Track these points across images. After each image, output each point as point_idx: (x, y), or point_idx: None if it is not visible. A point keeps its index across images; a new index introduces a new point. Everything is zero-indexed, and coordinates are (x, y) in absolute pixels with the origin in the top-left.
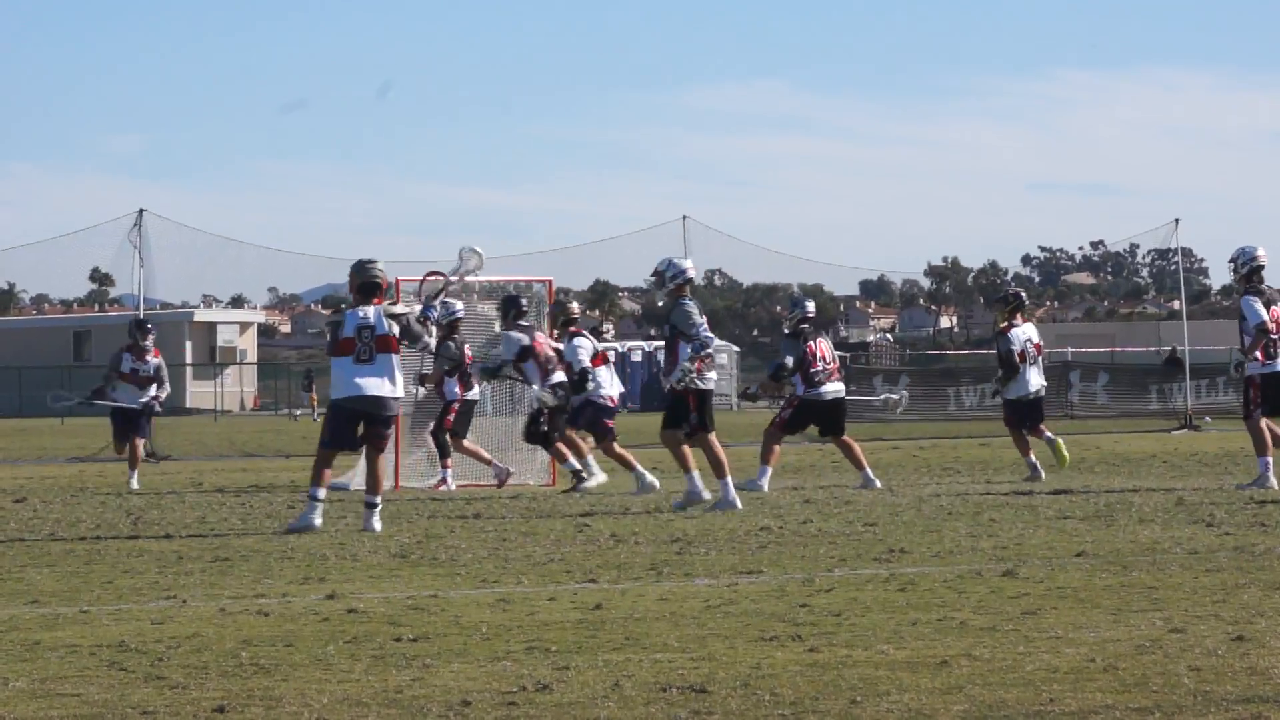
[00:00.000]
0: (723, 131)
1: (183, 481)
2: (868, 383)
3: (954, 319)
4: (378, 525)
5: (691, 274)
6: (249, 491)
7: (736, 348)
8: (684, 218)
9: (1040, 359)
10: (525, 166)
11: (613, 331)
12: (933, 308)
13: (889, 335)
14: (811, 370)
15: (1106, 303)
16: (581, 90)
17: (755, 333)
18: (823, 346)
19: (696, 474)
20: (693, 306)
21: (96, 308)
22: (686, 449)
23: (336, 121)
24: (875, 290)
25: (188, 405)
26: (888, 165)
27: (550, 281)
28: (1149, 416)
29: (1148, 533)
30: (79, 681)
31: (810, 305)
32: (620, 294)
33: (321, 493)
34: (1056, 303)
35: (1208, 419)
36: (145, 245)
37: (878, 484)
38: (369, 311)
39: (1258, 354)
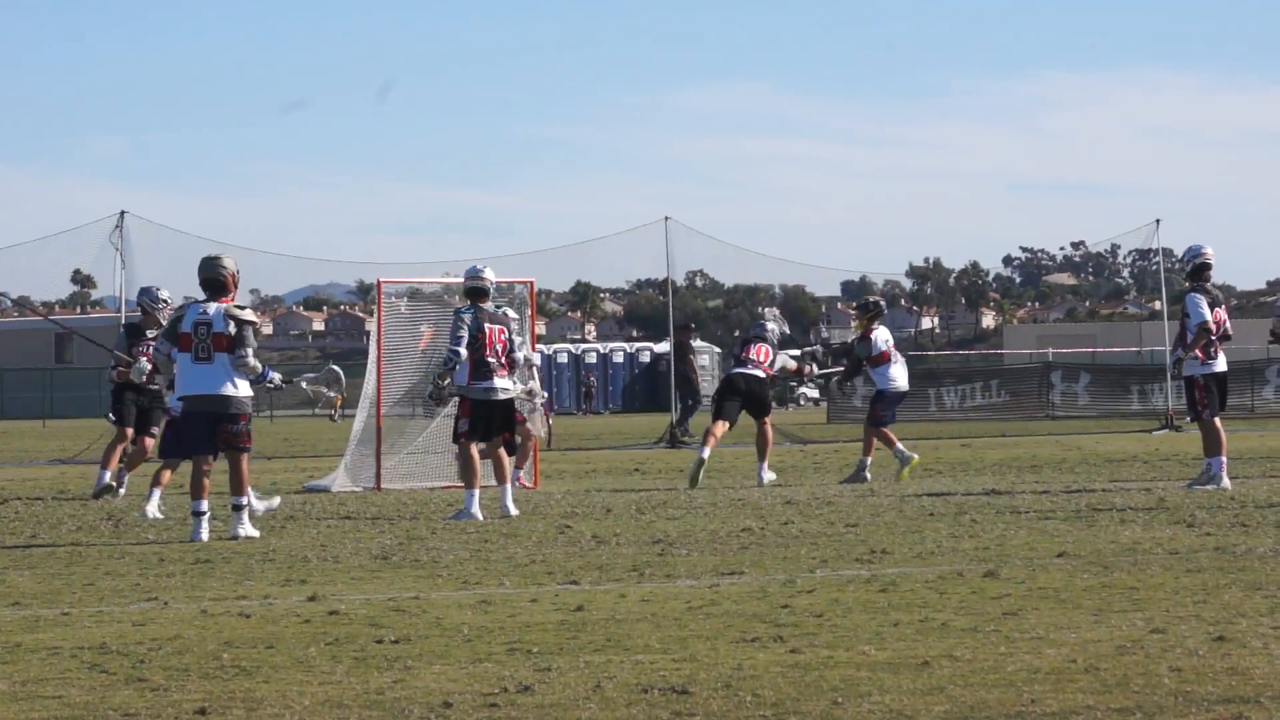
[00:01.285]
0: (705, 133)
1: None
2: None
3: (935, 319)
4: (244, 531)
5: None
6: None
7: (718, 349)
8: (666, 219)
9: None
10: (508, 168)
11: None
12: (914, 308)
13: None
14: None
15: (1088, 303)
16: (564, 92)
17: (736, 334)
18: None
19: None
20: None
21: (78, 310)
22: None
23: (320, 124)
24: (857, 291)
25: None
26: (869, 166)
27: (532, 283)
28: (1130, 417)
29: (1129, 533)
30: (60, 684)
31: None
32: (602, 295)
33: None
34: (1038, 303)
35: (1189, 419)
36: (127, 247)
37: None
38: (210, 308)
39: (1197, 353)
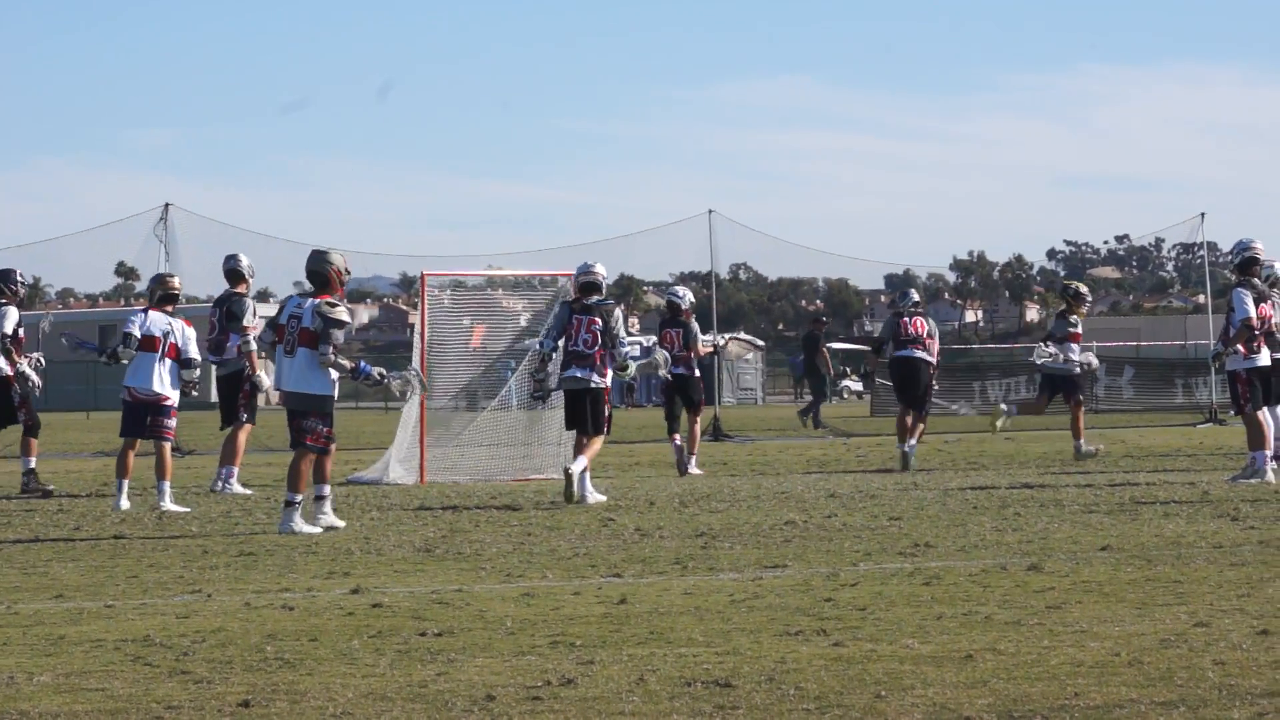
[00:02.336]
0: (749, 126)
1: (207, 476)
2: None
3: (979, 313)
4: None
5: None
6: (273, 486)
7: (761, 342)
8: (710, 212)
9: None
10: (552, 161)
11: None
12: (958, 301)
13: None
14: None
15: (1132, 297)
16: (607, 85)
17: (780, 326)
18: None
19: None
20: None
21: (122, 302)
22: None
23: (363, 115)
24: (900, 284)
25: (213, 399)
26: (912, 160)
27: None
28: (1174, 411)
29: (1172, 527)
30: (104, 676)
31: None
32: (645, 288)
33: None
34: None
35: (1233, 413)
36: (171, 239)
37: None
38: (306, 302)
39: (1239, 348)
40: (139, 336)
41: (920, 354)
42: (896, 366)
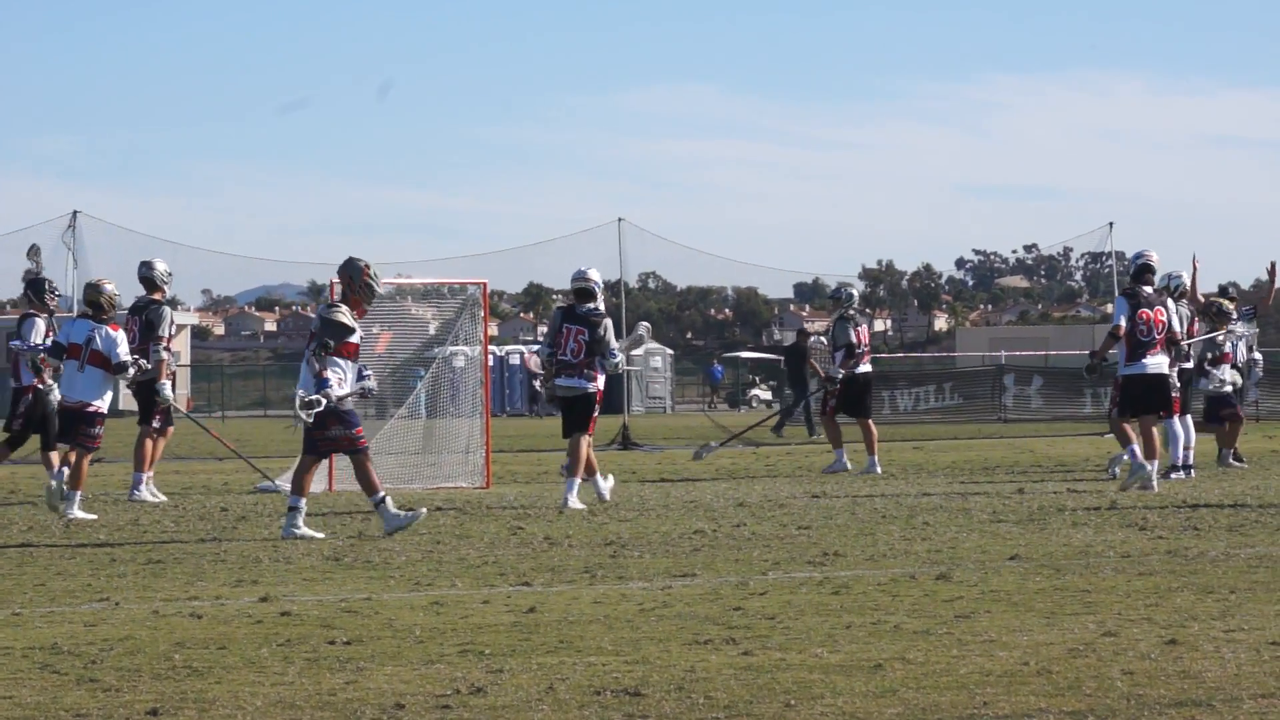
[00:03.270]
0: (656, 135)
1: (115, 484)
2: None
3: (888, 322)
4: (403, 520)
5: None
6: (180, 494)
7: (670, 351)
8: (619, 220)
9: None
10: (459, 169)
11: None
12: (867, 311)
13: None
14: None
15: (1040, 306)
16: (513, 93)
17: (689, 335)
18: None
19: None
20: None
21: None
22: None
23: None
24: (809, 293)
25: (120, 407)
26: (819, 168)
27: (485, 284)
28: (1083, 420)
29: (1081, 536)
30: (11, 684)
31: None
32: (555, 296)
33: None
34: (990, 306)
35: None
36: (79, 247)
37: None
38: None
39: (1119, 353)
40: (64, 345)
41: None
42: (860, 381)
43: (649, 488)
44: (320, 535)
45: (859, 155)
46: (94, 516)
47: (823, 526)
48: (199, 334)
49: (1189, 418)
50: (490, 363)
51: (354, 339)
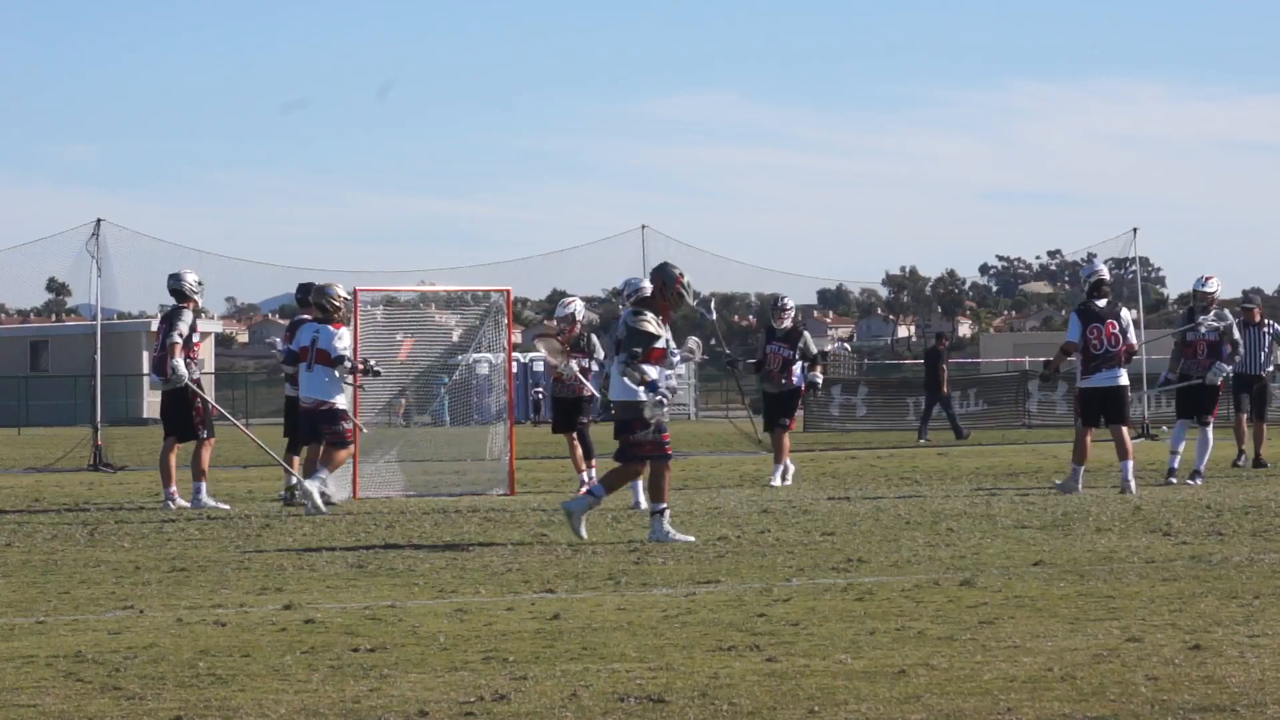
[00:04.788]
0: (678, 142)
1: (140, 492)
2: (825, 392)
3: (912, 328)
4: (675, 536)
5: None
6: (244, 499)
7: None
8: (643, 227)
9: None
10: (482, 177)
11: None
12: (890, 317)
13: (847, 345)
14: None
15: (1064, 312)
16: (536, 101)
17: (712, 343)
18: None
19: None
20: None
21: (53, 317)
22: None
23: (294, 131)
24: (833, 300)
25: (144, 415)
26: (843, 175)
27: (509, 291)
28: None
29: (1105, 542)
30: (35, 692)
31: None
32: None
33: None
34: (1014, 312)
35: (1165, 429)
36: (103, 255)
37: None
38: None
39: (1078, 367)
40: (294, 350)
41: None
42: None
43: (672, 494)
44: (692, 539)
45: (882, 161)
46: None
47: (846, 532)
48: (223, 341)
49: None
50: (514, 369)
51: (660, 344)
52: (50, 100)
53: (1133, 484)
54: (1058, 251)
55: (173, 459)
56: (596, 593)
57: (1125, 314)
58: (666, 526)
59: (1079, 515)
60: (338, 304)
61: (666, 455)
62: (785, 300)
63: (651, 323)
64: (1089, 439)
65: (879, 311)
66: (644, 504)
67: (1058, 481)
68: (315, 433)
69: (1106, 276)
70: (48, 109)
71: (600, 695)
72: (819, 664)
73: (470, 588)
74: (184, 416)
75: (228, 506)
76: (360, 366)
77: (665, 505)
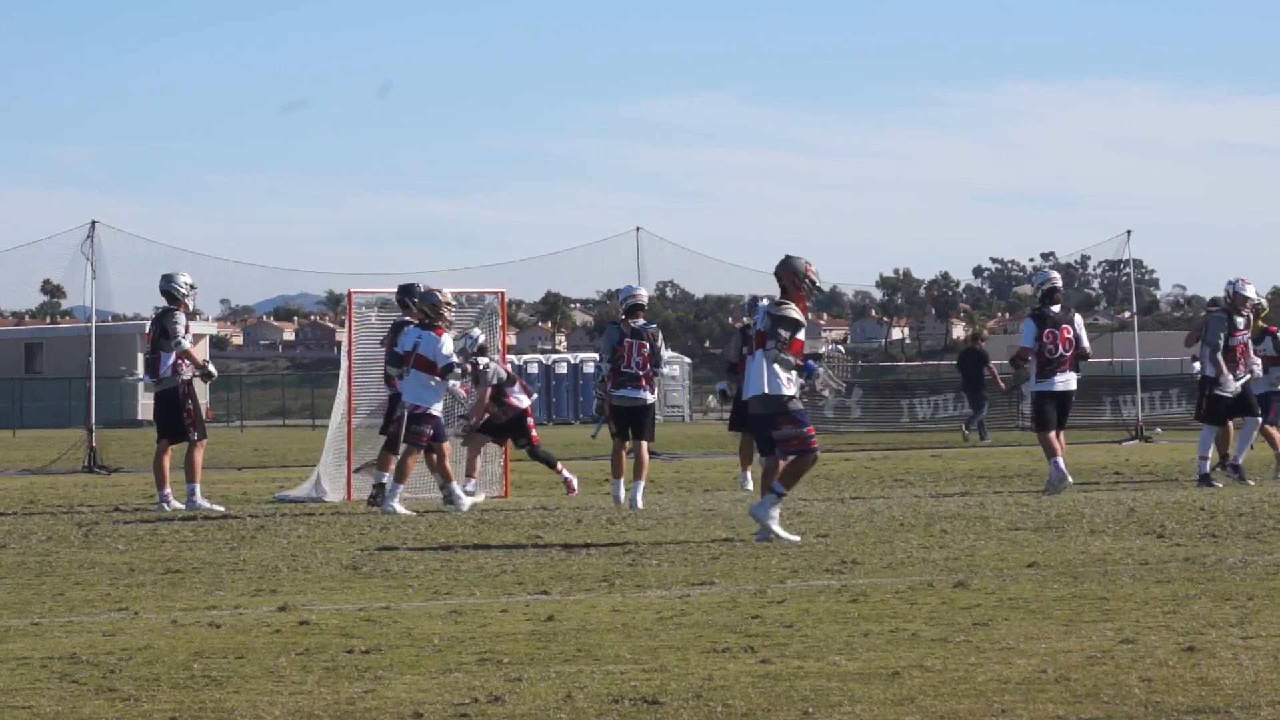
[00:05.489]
0: (673, 144)
1: (135, 494)
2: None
3: (906, 330)
4: (778, 531)
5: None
6: (239, 501)
7: (689, 359)
8: (637, 229)
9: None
10: (476, 179)
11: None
12: (884, 319)
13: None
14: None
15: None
16: (530, 103)
17: (707, 344)
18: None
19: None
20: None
21: (48, 320)
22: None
23: (289, 134)
24: (827, 302)
25: (139, 417)
26: (837, 177)
27: (503, 293)
28: (1101, 428)
29: (1099, 544)
30: (30, 694)
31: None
32: (572, 305)
33: None
34: (1008, 314)
35: (1159, 430)
36: (98, 257)
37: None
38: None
39: (1032, 371)
40: (399, 353)
41: None
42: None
43: (667, 496)
44: (797, 539)
45: (876, 163)
46: (480, 497)
47: (841, 535)
48: (217, 344)
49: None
50: (509, 369)
51: (801, 335)
52: (45, 102)
53: (1069, 479)
54: (1052, 254)
55: (166, 461)
56: (591, 594)
57: (1078, 319)
58: (773, 512)
59: (1073, 517)
60: (442, 310)
61: (811, 450)
62: (764, 300)
63: (795, 311)
64: (1054, 436)
65: (873, 313)
66: (640, 504)
67: (1045, 485)
68: (406, 434)
69: (1059, 283)
70: (43, 111)
71: (595, 697)
72: (813, 666)
73: (465, 589)
74: (175, 419)
75: (222, 508)
76: (467, 368)
77: (784, 492)
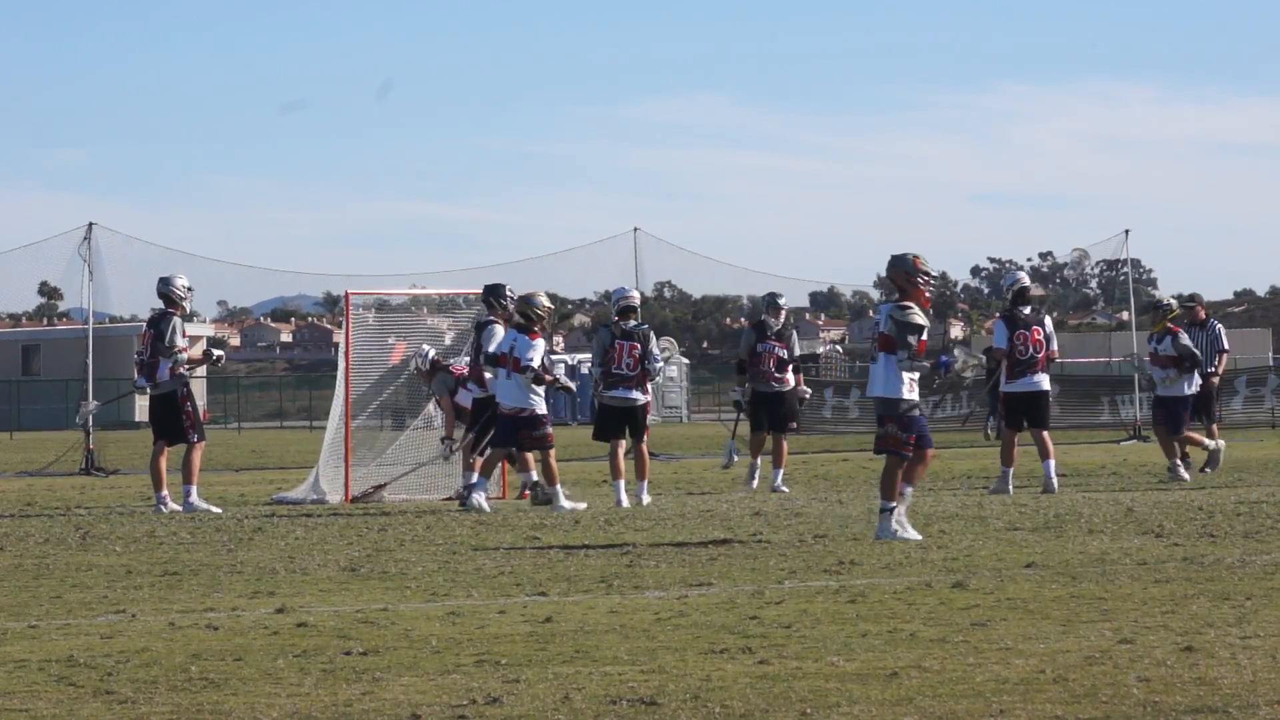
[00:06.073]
0: (668, 145)
1: (132, 496)
2: (817, 394)
3: None
4: (905, 534)
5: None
6: (236, 503)
7: (686, 360)
8: (635, 230)
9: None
10: (473, 181)
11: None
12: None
13: (839, 347)
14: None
15: (1055, 314)
16: (527, 104)
17: (705, 345)
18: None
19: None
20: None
21: (45, 322)
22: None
23: (286, 136)
24: (825, 302)
25: (136, 419)
26: (834, 177)
27: None
28: (1098, 428)
29: (1097, 544)
30: (27, 697)
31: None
32: (569, 306)
33: None
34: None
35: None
36: (95, 259)
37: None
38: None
39: (1003, 373)
40: (494, 354)
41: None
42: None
43: (665, 497)
44: (917, 536)
45: (873, 164)
46: (581, 505)
47: (839, 535)
48: (214, 345)
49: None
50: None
51: (925, 337)
52: (42, 104)
53: (1055, 482)
54: (1049, 253)
55: (163, 463)
56: (589, 595)
57: (1048, 321)
58: (894, 525)
59: (1071, 517)
60: (541, 314)
61: (901, 454)
62: (781, 298)
63: (919, 314)
64: (1015, 441)
65: (871, 314)
66: (625, 503)
67: (994, 485)
68: (514, 438)
69: (1029, 285)
70: (40, 113)
71: (592, 698)
72: (811, 666)
73: (462, 591)
74: (173, 421)
75: (219, 510)
76: (549, 379)
77: (895, 504)
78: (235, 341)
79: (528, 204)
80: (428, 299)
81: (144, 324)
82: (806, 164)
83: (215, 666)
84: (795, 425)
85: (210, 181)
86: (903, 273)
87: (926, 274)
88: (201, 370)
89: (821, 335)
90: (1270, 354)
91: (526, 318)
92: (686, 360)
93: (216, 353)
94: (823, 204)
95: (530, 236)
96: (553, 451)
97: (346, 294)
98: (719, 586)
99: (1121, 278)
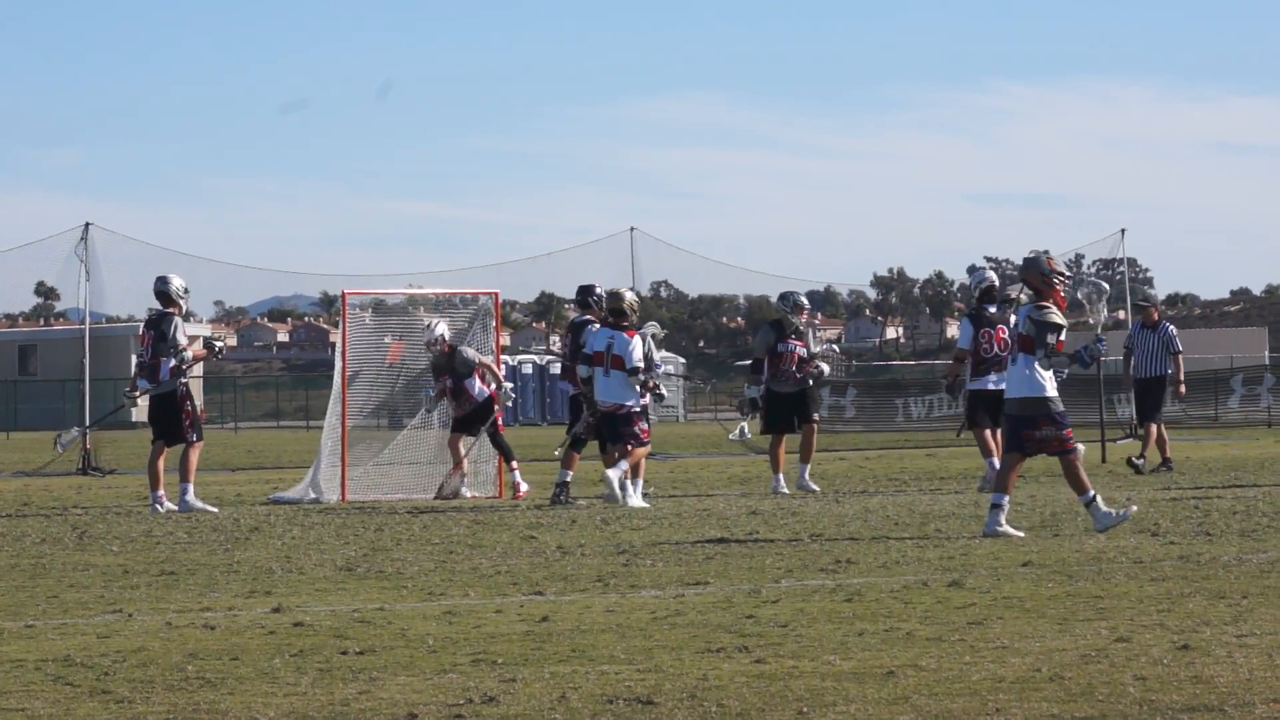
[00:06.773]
0: (665, 145)
1: (129, 496)
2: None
3: (900, 330)
4: (1004, 530)
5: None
6: (233, 503)
7: (683, 359)
8: (631, 229)
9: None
10: (470, 180)
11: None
12: (879, 319)
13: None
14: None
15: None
16: (523, 104)
17: (701, 344)
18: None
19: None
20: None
21: (42, 322)
22: None
23: (283, 136)
24: (821, 301)
25: (134, 419)
26: (831, 177)
27: (497, 294)
28: (1095, 426)
29: (1093, 542)
30: (24, 696)
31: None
32: (566, 306)
33: None
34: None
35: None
36: (92, 259)
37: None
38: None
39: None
40: (589, 353)
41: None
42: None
43: (662, 496)
44: (1020, 534)
45: (869, 163)
46: (647, 503)
47: (835, 534)
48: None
49: None
50: (502, 373)
51: (1064, 336)
52: (38, 104)
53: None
54: (1045, 253)
55: (160, 463)
56: (585, 594)
57: (1014, 319)
58: (1106, 509)
59: (1067, 516)
60: (633, 309)
61: (1070, 450)
62: (802, 297)
63: (1057, 314)
64: (989, 434)
65: (867, 313)
66: (620, 500)
67: (981, 483)
68: (615, 434)
69: (996, 283)
70: (35, 113)
71: (589, 697)
72: (807, 665)
73: (459, 590)
74: (173, 421)
75: (216, 509)
76: (651, 384)
77: (1094, 492)
78: (232, 341)
79: (525, 203)
80: (424, 298)
81: (141, 324)
82: (803, 163)
83: (212, 666)
84: (819, 416)
85: (207, 181)
86: (1038, 274)
87: (1060, 274)
88: (198, 369)
89: (819, 335)
90: (1266, 353)
91: (618, 313)
92: (683, 359)
93: (219, 344)
94: (819, 203)
95: (527, 236)
96: (645, 449)
97: (343, 293)
98: (715, 585)
99: (1118, 277)
